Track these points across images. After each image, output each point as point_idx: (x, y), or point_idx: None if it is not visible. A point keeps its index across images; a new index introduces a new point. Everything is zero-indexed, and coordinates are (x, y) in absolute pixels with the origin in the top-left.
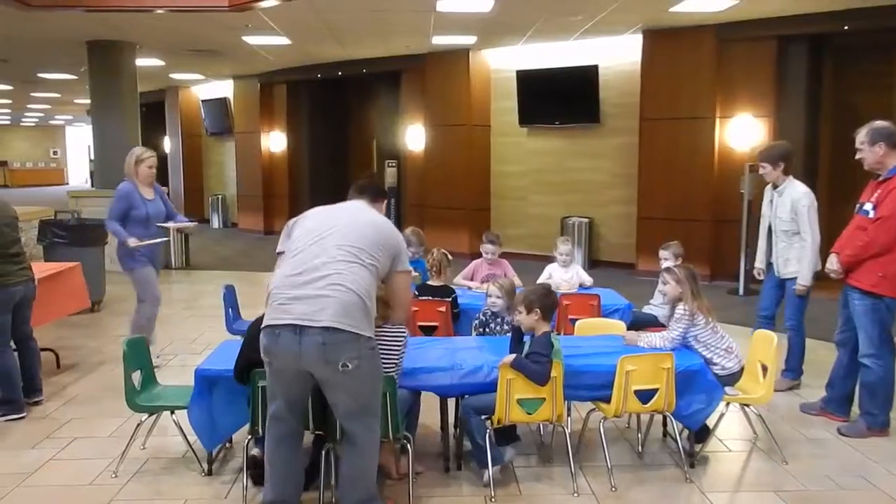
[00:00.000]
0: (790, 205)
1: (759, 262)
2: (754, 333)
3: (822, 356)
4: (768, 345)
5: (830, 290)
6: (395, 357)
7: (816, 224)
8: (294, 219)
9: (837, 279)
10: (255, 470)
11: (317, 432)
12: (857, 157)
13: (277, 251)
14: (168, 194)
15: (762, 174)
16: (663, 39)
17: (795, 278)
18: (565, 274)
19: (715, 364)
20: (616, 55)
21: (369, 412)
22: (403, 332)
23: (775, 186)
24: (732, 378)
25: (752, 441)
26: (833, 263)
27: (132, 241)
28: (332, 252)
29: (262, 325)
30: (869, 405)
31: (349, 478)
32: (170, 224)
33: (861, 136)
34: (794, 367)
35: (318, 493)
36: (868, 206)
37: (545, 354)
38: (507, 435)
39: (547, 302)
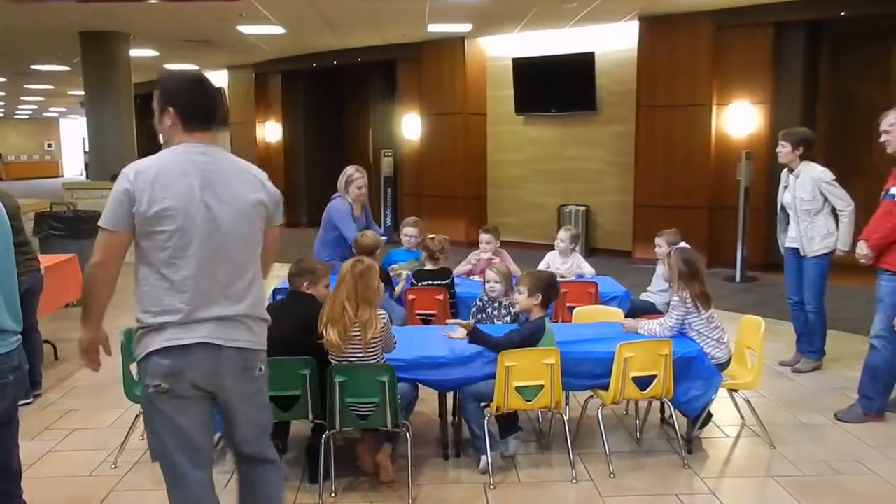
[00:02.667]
0: (811, 184)
1: (783, 249)
2: (742, 319)
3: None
4: (756, 331)
5: (850, 278)
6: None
7: (846, 193)
8: (128, 184)
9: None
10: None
11: (316, 421)
12: (882, 139)
13: (110, 226)
14: None
15: (778, 151)
16: (660, 26)
17: (818, 257)
18: (563, 265)
19: (705, 354)
20: (612, 42)
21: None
22: (382, 316)
23: (791, 170)
24: (720, 368)
25: (745, 426)
26: (863, 249)
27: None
28: (229, 263)
29: (156, 348)
30: (869, 389)
31: (276, 498)
32: None
33: (891, 117)
34: (818, 348)
35: (318, 484)
36: (894, 190)
37: (520, 339)
38: (508, 425)
39: (551, 292)
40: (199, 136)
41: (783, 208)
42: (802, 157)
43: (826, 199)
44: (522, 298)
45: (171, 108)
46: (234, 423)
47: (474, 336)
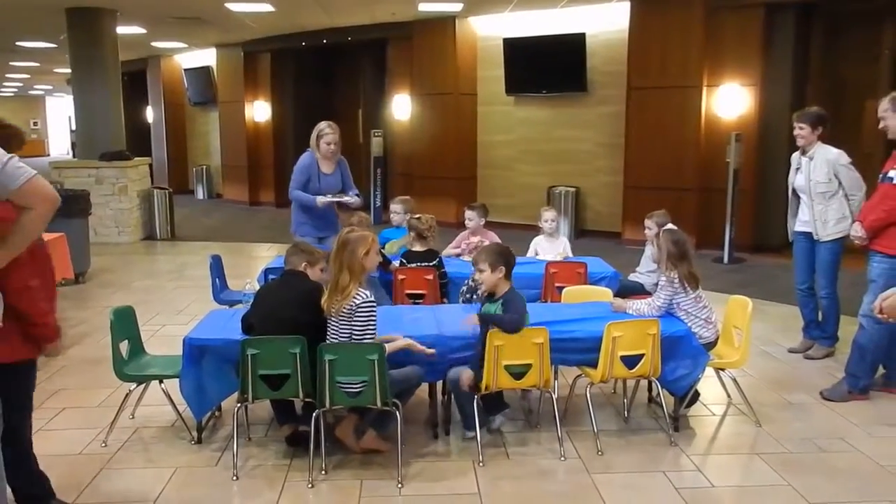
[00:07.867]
0: (826, 167)
1: (791, 235)
2: (729, 299)
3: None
4: (743, 310)
5: (862, 263)
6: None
7: (860, 177)
8: None
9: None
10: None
11: (307, 399)
12: (881, 126)
13: None
14: (151, 165)
15: (798, 135)
16: (651, 7)
17: (832, 241)
18: (550, 250)
19: (693, 333)
20: (603, 23)
21: None
22: (372, 303)
23: (804, 152)
24: (707, 347)
25: (731, 404)
26: (858, 230)
27: (320, 200)
28: None
29: None
30: (856, 367)
31: None
32: (328, 198)
33: (884, 104)
34: (831, 334)
35: (307, 459)
36: (893, 174)
37: (521, 316)
38: (494, 404)
39: (510, 259)
40: None
41: (794, 192)
42: (820, 138)
43: (841, 183)
44: (486, 276)
45: None
46: None
47: (483, 320)
